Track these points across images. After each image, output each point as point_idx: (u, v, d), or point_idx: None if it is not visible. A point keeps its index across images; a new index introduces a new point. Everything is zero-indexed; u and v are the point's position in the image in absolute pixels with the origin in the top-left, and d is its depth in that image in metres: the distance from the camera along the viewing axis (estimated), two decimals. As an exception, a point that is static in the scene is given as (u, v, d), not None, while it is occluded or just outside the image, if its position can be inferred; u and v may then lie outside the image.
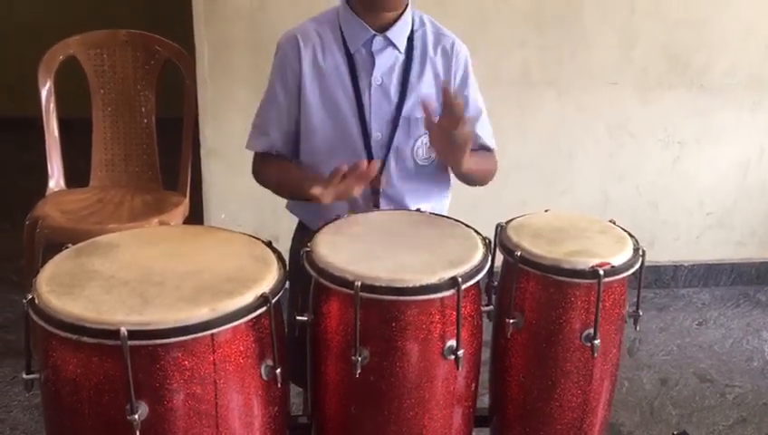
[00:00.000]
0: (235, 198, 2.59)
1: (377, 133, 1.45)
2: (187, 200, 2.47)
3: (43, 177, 2.49)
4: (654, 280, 2.99)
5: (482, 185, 1.52)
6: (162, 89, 2.53)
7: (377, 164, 1.30)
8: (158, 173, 2.58)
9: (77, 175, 2.59)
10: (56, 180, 2.50)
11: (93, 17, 2.87)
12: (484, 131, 1.53)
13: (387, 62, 1.44)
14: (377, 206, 1.47)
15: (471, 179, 1.48)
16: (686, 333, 2.74)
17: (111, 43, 2.52)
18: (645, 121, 2.78)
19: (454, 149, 1.32)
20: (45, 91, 2.46)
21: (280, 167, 1.50)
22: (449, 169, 1.48)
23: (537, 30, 2.60)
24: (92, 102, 2.53)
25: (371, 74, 1.43)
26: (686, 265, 3.02)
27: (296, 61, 1.44)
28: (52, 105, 2.47)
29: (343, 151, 1.44)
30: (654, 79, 2.73)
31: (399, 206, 1.48)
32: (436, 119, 1.29)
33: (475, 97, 1.52)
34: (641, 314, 1.28)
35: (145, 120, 2.56)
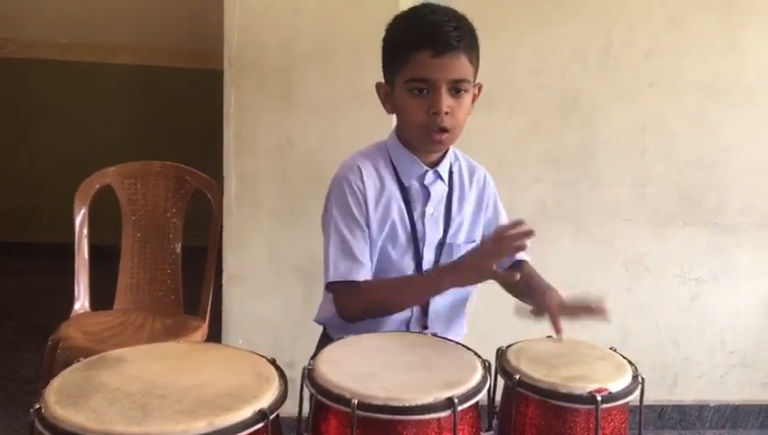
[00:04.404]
0: (253, 323, 2.61)
1: (427, 258, 1.55)
2: (206, 325, 2.50)
3: (73, 300, 2.56)
4: (679, 420, 2.90)
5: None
6: (189, 217, 2.65)
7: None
8: (180, 298, 2.64)
9: (104, 298, 2.65)
10: (81, 303, 2.57)
11: (129, 151, 3.04)
12: None
13: (438, 194, 1.56)
14: (425, 327, 1.55)
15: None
16: (715, 477, 2.63)
17: (146, 174, 2.67)
18: (661, 257, 2.79)
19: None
20: (80, 217, 2.58)
21: (390, 282, 1.53)
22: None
23: (553, 168, 2.69)
24: (123, 228, 2.64)
25: (426, 205, 1.54)
26: (711, 405, 2.92)
27: (362, 186, 1.52)
28: (84, 230, 2.59)
29: (394, 273, 1.54)
30: (668, 216, 2.77)
31: (440, 328, 1.54)
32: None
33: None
34: (645, 444, 1.26)
35: (172, 246, 2.65)
